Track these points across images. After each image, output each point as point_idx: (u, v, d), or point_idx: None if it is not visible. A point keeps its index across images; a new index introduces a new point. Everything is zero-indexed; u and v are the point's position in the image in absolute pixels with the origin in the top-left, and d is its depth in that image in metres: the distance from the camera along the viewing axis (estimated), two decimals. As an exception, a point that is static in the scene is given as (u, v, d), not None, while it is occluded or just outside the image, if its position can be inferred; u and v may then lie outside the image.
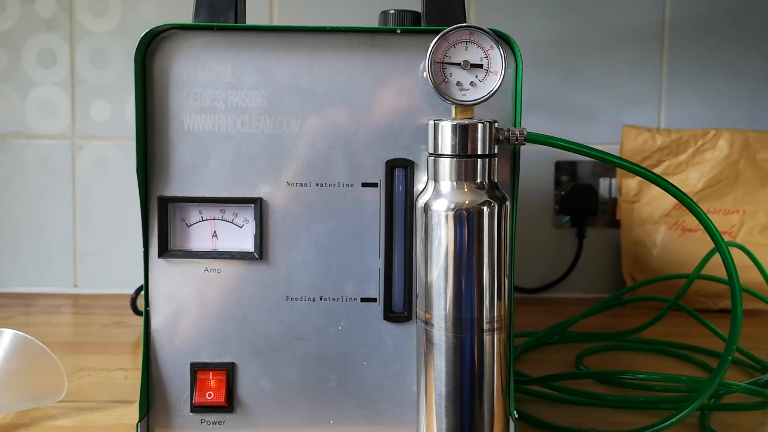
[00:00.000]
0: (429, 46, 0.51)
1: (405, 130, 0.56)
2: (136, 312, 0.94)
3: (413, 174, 0.56)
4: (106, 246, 1.08)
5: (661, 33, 1.07)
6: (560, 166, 1.09)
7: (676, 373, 0.73)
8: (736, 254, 0.97)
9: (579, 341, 0.87)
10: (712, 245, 0.85)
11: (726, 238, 1.00)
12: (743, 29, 1.07)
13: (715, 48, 1.07)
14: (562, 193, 1.09)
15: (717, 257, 0.82)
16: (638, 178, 1.04)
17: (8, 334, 0.61)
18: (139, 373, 0.73)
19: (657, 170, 1.04)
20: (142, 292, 0.93)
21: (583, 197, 1.09)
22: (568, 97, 1.07)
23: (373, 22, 0.63)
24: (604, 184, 1.10)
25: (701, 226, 1.02)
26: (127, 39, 1.06)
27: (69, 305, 1.02)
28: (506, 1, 1.06)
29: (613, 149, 1.07)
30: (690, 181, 1.02)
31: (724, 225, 1.02)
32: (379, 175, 0.57)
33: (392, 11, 0.61)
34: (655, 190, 1.04)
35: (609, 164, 0.51)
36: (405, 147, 0.56)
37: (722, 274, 0.87)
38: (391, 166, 0.56)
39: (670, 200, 1.03)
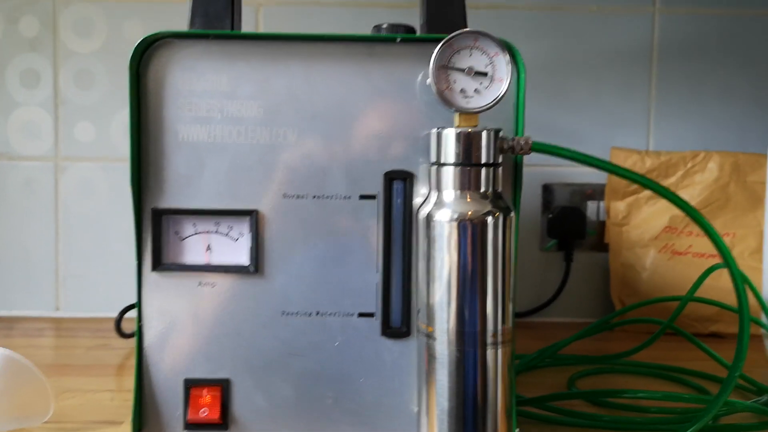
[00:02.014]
0: (433, 51, 0.50)
1: (404, 142, 0.56)
2: (121, 335, 0.92)
3: (412, 186, 0.55)
4: (89, 269, 1.06)
5: (650, 55, 1.07)
6: (548, 189, 1.09)
7: (668, 399, 0.72)
8: (727, 277, 0.98)
9: (570, 364, 0.86)
10: (702, 269, 0.85)
11: (716, 261, 1.00)
12: (732, 52, 1.08)
13: (703, 70, 1.08)
14: (550, 216, 1.09)
15: (709, 280, 0.83)
16: (627, 201, 1.04)
17: (-8, 351, 0.59)
18: (126, 395, 0.71)
19: (646, 192, 1.03)
20: (127, 314, 0.93)
21: (571, 220, 1.08)
22: (555, 120, 1.07)
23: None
24: (592, 207, 1.09)
25: (691, 250, 1.03)
26: (111, 59, 1.05)
27: (51, 328, 1.00)
28: (493, 24, 1.06)
29: (602, 172, 1.07)
30: (679, 203, 1.02)
31: (714, 248, 1.01)
32: (377, 187, 0.56)
33: (385, 25, 0.61)
34: (644, 213, 1.03)
35: (616, 176, 0.51)
36: (404, 158, 0.56)
37: (715, 296, 0.87)
38: (390, 178, 0.56)
39: (659, 223, 1.03)
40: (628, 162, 1.04)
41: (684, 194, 1.03)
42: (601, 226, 1.08)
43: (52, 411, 0.61)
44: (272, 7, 1.05)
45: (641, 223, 1.04)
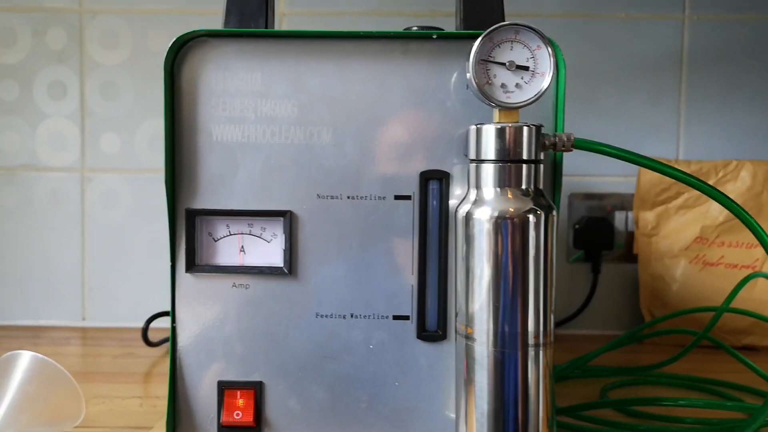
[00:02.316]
0: (470, 48, 0.49)
1: (439, 141, 0.55)
2: (148, 343, 0.91)
3: (448, 186, 0.54)
4: (115, 279, 1.06)
5: (680, 62, 1.06)
6: (574, 199, 1.08)
7: (710, 407, 0.70)
8: (761, 288, 0.96)
9: (602, 375, 0.84)
10: (736, 280, 0.83)
11: (749, 272, 0.98)
12: (762, 58, 1.06)
13: (734, 77, 1.07)
14: (576, 226, 1.07)
15: (742, 291, 0.81)
16: (656, 211, 1.03)
17: (27, 356, 0.59)
18: (154, 401, 0.71)
19: (676, 202, 1.02)
20: (154, 323, 0.93)
21: (598, 231, 1.07)
22: (584, 127, 1.06)
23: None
24: (619, 217, 1.08)
25: (723, 260, 1.01)
26: (137, 71, 1.05)
27: (78, 337, 0.99)
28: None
29: (630, 181, 1.06)
30: (711, 213, 1.01)
31: (747, 259, 0.99)
32: (412, 188, 0.55)
33: (415, 28, 0.60)
34: (675, 224, 1.02)
35: (665, 174, 0.50)
36: (440, 158, 0.55)
37: (748, 308, 0.85)
38: (426, 177, 0.55)
39: (690, 233, 1.01)
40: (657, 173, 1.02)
41: (715, 204, 1.01)
42: (630, 236, 1.07)
43: (83, 415, 0.60)
44: (296, 17, 1.05)
45: (671, 233, 1.02)
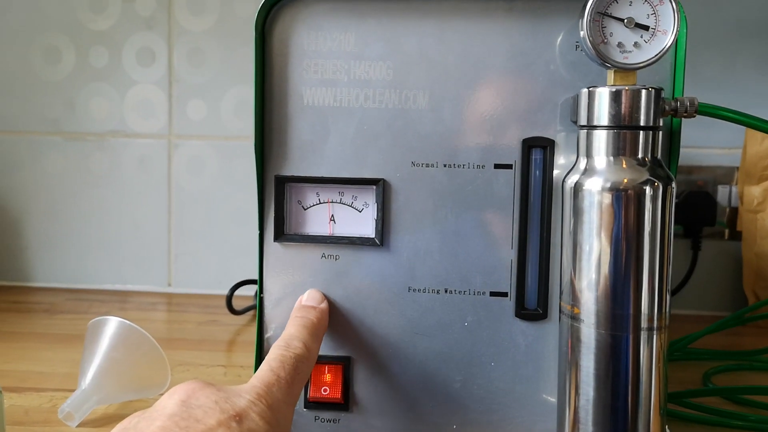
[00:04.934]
0: (580, 6, 0.45)
1: (543, 107, 0.51)
2: (232, 311, 0.91)
3: (552, 155, 0.51)
4: (200, 246, 1.06)
5: (795, 26, 0.99)
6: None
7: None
8: None
9: (704, 359, 0.80)
10: None
11: None
12: None
13: None
14: (676, 201, 1.01)
15: None
16: (763, 185, 0.96)
17: (113, 321, 0.59)
18: (238, 370, 0.70)
19: (786, 177, 0.95)
20: (238, 291, 0.92)
21: (699, 206, 1.01)
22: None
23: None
24: (723, 191, 1.02)
25: (836, 239, 0.94)
26: (223, 37, 1.04)
27: (163, 303, 1.00)
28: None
29: (734, 154, 0.99)
30: (825, 188, 0.94)
31: None
32: (514, 156, 0.51)
33: None
34: (784, 199, 0.95)
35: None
36: (543, 125, 0.51)
37: None
38: (528, 145, 0.51)
39: (801, 210, 0.94)
40: (765, 144, 0.96)
41: (831, 179, 0.94)
42: (733, 212, 1.01)
43: (169, 383, 0.60)
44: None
45: (780, 209, 0.96)
